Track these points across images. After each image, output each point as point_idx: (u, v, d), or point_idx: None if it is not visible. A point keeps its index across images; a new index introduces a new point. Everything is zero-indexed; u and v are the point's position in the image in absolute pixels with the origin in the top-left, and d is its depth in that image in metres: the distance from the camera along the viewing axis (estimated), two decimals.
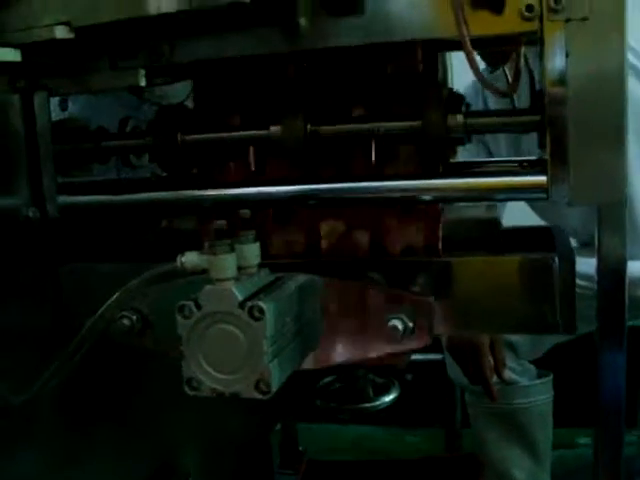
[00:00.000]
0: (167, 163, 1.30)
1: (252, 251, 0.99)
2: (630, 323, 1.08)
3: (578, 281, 1.12)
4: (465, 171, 1.37)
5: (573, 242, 1.84)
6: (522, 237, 1.30)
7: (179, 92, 1.43)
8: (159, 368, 1.29)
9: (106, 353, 1.22)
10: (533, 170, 1.12)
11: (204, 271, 0.97)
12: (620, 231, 1.07)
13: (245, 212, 0.99)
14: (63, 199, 1.25)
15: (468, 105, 1.21)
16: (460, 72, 1.38)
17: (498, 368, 2.15)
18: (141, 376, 1.43)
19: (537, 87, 1.30)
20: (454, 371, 2.30)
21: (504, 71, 1.36)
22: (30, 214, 1.24)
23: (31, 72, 1.20)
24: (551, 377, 2.36)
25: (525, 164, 1.39)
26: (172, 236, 1.34)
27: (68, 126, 1.35)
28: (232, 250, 0.94)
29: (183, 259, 1.00)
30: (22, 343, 1.25)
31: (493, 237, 1.25)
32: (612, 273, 1.07)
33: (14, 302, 1.24)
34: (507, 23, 1.04)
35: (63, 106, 1.30)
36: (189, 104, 1.37)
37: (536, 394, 2.30)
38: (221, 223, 0.94)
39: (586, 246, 1.85)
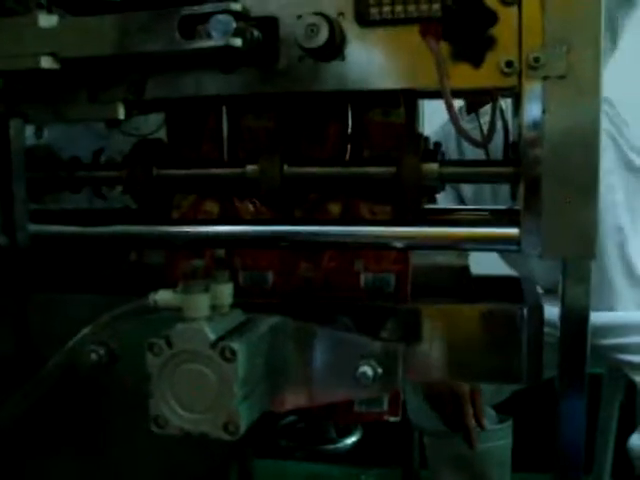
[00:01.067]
0: (141, 196, 1.29)
1: (226, 291, 0.99)
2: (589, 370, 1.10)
3: None
4: (436, 217, 1.38)
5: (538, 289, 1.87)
6: (491, 286, 1.31)
7: (151, 123, 1.43)
8: (115, 402, 1.27)
9: (66, 385, 1.21)
10: (505, 221, 1.13)
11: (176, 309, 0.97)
12: (584, 282, 1.09)
13: (220, 252, 0.99)
14: (34, 228, 1.23)
15: (443, 154, 1.22)
16: (430, 113, 1.41)
17: (478, 416, 2.17)
18: (97, 409, 1.41)
19: (510, 139, 1.32)
20: (414, 413, 2.30)
21: (478, 120, 1.38)
22: (0, 242, 1.22)
23: (9, 98, 1.19)
24: (511, 422, 2.37)
25: (495, 213, 1.41)
26: (141, 270, 1.34)
27: (42, 154, 1.34)
28: (207, 290, 0.94)
29: (156, 296, 0.99)
30: None
31: (462, 285, 1.26)
32: (575, 322, 1.09)
33: None
34: (486, 77, 1.06)
35: (38, 134, 1.29)
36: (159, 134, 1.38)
37: (495, 439, 2.31)
38: (198, 263, 0.94)
39: (549, 293, 1.87)
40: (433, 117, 1.48)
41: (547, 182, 1.05)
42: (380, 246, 1.17)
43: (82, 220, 1.28)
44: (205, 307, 0.94)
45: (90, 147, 1.40)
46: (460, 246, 1.15)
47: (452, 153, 2.08)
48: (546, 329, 1.15)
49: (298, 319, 1.08)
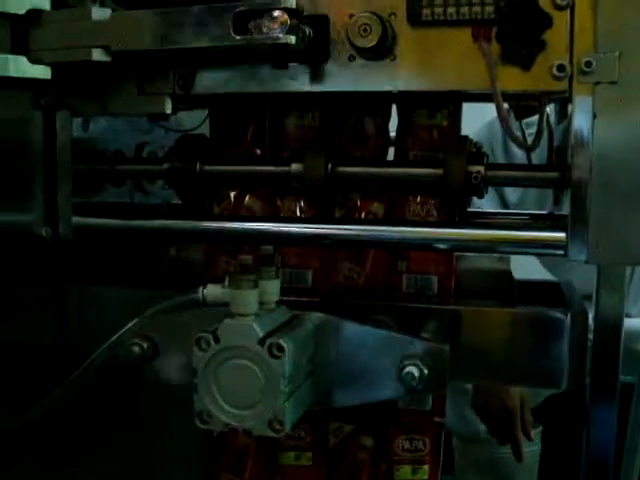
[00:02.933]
0: (184, 191, 1.30)
1: (273, 288, 0.99)
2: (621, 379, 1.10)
3: None
4: (481, 221, 1.38)
5: None
6: (532, 290, 1.31)
7: (194, 119, 1.44)
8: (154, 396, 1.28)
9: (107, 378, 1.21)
10: (552, 225, 1.13)
11: (224, 304, 0.97)
12: (619, 289, 1.08)
13: (268, 249, 0.99)
14: (77, 220, 1.24)
15: (488, 156, 1.22)
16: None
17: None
18: (136, 403, 1.41)
19: (555, 143, 1.32)
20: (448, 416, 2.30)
21: (520, 125, 1.38)
22: (43, 233, 1.23)
23: (56, 90, 1.20)
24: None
25: (537, 218, 1.40)
26: (180, 265, 1.34)
27: (85, 147, 1.35)
28: (256, 286, 0.94)
29: (205, 291, 0.99)
30: (23, 362, 1.24)
31: (504, 288, 1.26)
32: (609, 330, 1.09)
33: (19, 320, 1.24)
34: (537, 81, 1.05)
35: (85, 127, 1.29)
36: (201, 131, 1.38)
37: (526, 445, 2.30)
38: (247, 259, 0.93)
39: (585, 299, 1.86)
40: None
41: (594, 188, 1.04)
42: (424, 247, 1.16)
43: (123, 214, 1.28)
44: (254, 303, 0.94)
45: (133, 142, 1.41)
46: (505, 249, 1.15)
47: (498, 154, 2.08)
48: None
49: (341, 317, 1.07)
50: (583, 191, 1.05)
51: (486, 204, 1.91)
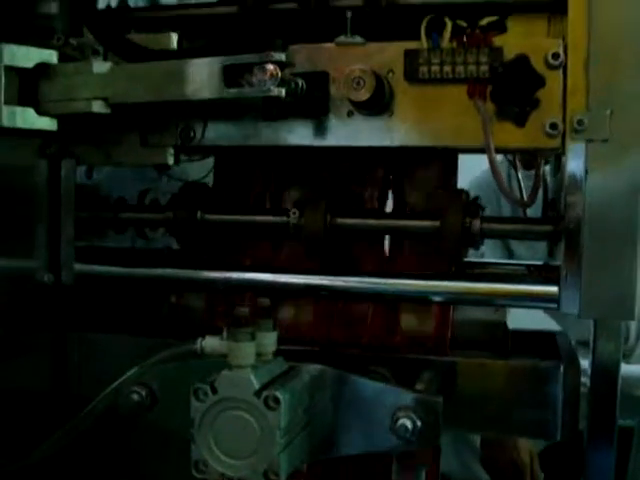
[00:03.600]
0: (185, 239, 1.32)
1: (270, 339, 1.01)
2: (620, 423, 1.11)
3: None
4: (475, 271, 1.40)
5: None
6: (527, 341, 1.32)
7: (199, 168, 1.46)
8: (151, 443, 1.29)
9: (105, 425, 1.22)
10: (544, 279, 1.15)
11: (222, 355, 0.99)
12: (615, 338, 1.10)
13: (265, 301, 1.01)
14: (79, 267, 1.26)
15: (484, 208, 1.24)
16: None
17: None
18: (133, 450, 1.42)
19: (550, 196, 1.34)
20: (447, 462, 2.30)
21: (517, 178, 1.40)
22: (45, 279, 1.25)
23: (62, 139, 1.23)
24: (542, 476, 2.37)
25: (532, 268, 1.42)
26: (180, 312, 1.36)
27: (90, 193, 1.37)
28: (253, 339, 0.96)
29: (203, 343, 1.01)
30: (22, 407, 1.25)
31: (499, 339, 1.27)
32: (606, 378, 1.11)
33: (19, 364, 1.25)
34: (531, 138, 1.08)
35: (89, 174, 1.32)
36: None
37: None
38: (244, 311, 0.95)
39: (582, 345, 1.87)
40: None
41: (587, 242, 1.06)
42: (419, 300, 1.18)
43: (125, 261, 1.31)
44: (251, 355, 0.96)
45: (136, 189, 1.43)
46: (499, 302, 1.17)
47: (492, 201, 2.10)
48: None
49: (337, 369, 1.09)
50: (575, 246, 1.07)
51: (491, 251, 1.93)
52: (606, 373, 1.11)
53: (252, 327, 0.97)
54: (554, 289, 1.09)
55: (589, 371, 1.12)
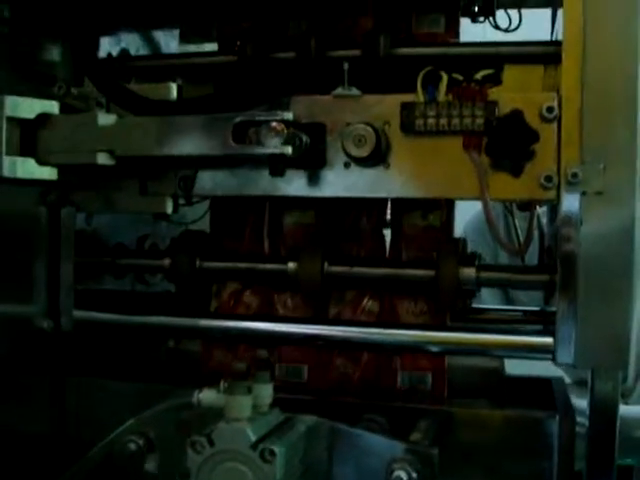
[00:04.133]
0: (183, 286, 1.33)
1: (266, 391, 1.01)
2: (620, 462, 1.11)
3: None
4: (473, 317, 1.41)
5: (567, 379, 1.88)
6: (523, 387, 1.32)
7: (197, 210, 1.47)
8: None
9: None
10: (540, 331, 1.16)
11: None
12: (613, 379, 1.10)
13: (262, 353, 1.02)
14: (78, 313, 1.27)
15: (480, 256, 1.25)
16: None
17: None
18: None
19: (546, 243, 1.35)
20: None
21: (513, 223, 1.41)
22: (44, 325, 1.26)
23: (61, 187, 1.24)
24: None
25: (528, 314, 1.43)
26: (178, 356, 1.36)
27: (89, 238, 1.38)
28: (249, 392, 0.97)
29: (200, 395, 1.02)
30: (22, 450, 1.25)
31: (495, 386, 1.27)
32: (604, 419, 1.10)
33: (18, 408, 1.25)
34: (525, 189, 1.09)
35: (89, 221, 1.33)
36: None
37: None
38: (241, 366, 0.96)
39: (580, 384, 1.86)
40: None
41: (582, 293, 1.07)
42: (415, 349, 1.19)
43: (124, 302, 1.32)
44: (247, 408, 0.96)
45: (135, 233, 1.44)
46: (494, 353, 1.17)
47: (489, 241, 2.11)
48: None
49: (334, 418, 1.09)
50: (570, 297, 1.07)
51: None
52: (604, 414, 1.11)
53: (249, 380, 0.98)
54: (549, 340, 1.10)
55: (588, 411, 1.12)
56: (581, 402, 1.17)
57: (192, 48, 1.54)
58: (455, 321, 1.35)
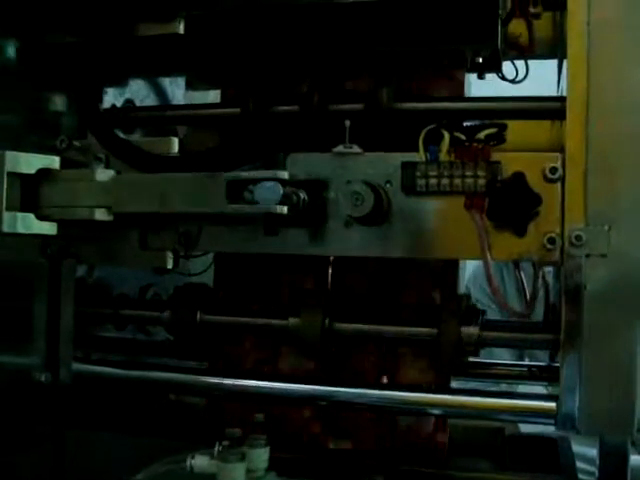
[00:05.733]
0: (184, 340, 1.32)
1: (261, 456, 1.00)
2: None
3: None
4: (477, 372, 1.39)
5: None
6: (526, 446, 1.30)
7: (200, 262, 1.46)
8: None
9: None
10: (543, 395, 1.14)
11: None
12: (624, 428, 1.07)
13: (259, 417, 1.01)
14: (77, 366, 1.26)
15: (484, 312, 1.23)
16: None
17: None
18: None
19: (551, 299, 1.33)
20: None
21: (521, 278, 1.38)
22: (42, 379, 1.25)
23: (63, 240, 1.23)
24: None
25: (534, 369, 1.41)
26: (179, 409, 1.35)
27: (91, 288, 1.38)
28: (243, 459, 0.95)
29: (193, 461, 1.00)
30: None
31: (497, 445, 1.26)
32: (615, 469, 1.08)
33: (18, 460, 1.24)
34: (529, 250, 1.07)
35: (90, 273, 1.33)
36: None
37: None
38: (235, 431, 0.95)
39: None
40: None
41: (586, 359, 1.05)
42: (417, 412, 1.17)
43: (124, 351, 1.31)
44: (241, 476, 0.95)
45: (138, 283, 1.44)
46: (497, 416, 1.15)
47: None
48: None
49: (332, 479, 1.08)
50: (574, 361, 1.05)
51: None
52: (615, 464, 1.08)
53: (244, 446, 0.97)
54: (552, 405, 1.08)
55: (597, 460, 1.09)
56: (591, 451, 1.15)
57: (198, 95, 1.55)
58: (458, 376, 1.33)
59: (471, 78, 1.38)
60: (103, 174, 1.14)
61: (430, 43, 1.23)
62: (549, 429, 1.30)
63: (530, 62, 1.42)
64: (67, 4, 1.20)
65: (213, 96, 1.52)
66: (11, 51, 1.24)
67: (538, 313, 1.34)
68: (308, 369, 1.27)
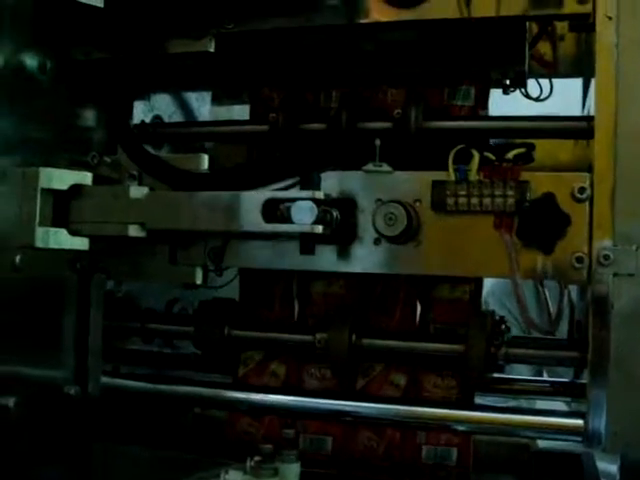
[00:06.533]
0: (211, 354, 1.33)
1: (292, 471, 1.01)
2: None
3: None
4: (499, 387, 1.40)
5: None
6: (551, 462, 1.31)
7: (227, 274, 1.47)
8: None
9: None
10: (569, 412, 1.14)
11: None
12: None
13: (289, 433, 1.02)
14: (106, 380, 1.27)
15: (509, 329, 1.24)
16: None
17: None
18: None
19: (576, 317, 1.33)
20: None
21: (545, 294, 1.39)
22: (72, 392, 1.26)
23: (92, 255, 1.25)
24: None
25: (557, 386, 1.41)
26: (204, 423, 1.37)
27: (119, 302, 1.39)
28: (276, 474, 0.96)
29: (227, 476, 1.01)
30: None
31: (523, 461, 1.26)
32: None
33: (45, 473, 1.25)
34: (557, 267, 1.08)
35: (118, 288, 1.34)
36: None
37: None
38: (268, 447, 0.96)
39: None
40: None
41: (613, 377, 1.05)
42: (442, 428, 1.18)
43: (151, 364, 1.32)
44: None
45: (165, 297, 1.45)
46: (524, 434, 1.16)
47: None
48: None
49: None
50: (601, 380, 1.06)
51: None
52: None
53: (275, 461, 0.98)
54: (579, 422, 1.09)
55: (617, 477, 1.10)
56: (612, 468, 1.15)
57: (224, 110, 1.56)
58: (481, 392, 1.34)
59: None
60: (137, 191, 1.16)
61: (459, 65, 1.25)
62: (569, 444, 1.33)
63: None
64: (99, 21, 1.21)
65: (238, 111, 1.54)
66: (43, 67, 1.25)
67: (561, 330, 1.35)
68: (334, 384, 1.28)
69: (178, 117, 1.47)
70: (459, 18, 1.10)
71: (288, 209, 1.07)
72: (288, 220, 1.06)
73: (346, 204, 1.14)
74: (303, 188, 1.09)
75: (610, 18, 1.05)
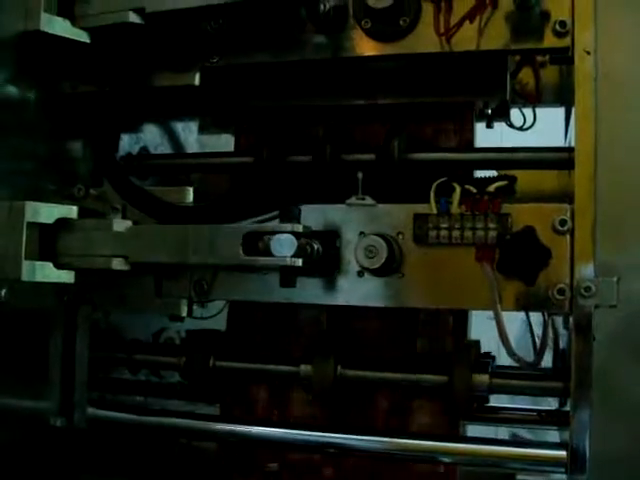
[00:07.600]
0: (197, 385, 1.33)
1: None
2: None
3: None
4: (485, 416, 1.40)
5: None
6: None
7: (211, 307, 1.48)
8: None
9: None
10: (553, 444, 1.15)
11: None
12: None
13: (273, 466, 1.02)
14: (92, 411, 1.27)
15: (494, 358, 1.25)
16: None
17: None
18: None
19: (561, 346, 1.34)
20: None
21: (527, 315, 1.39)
22: (57, 423, 1.26)
23: (79, 287, 1.25)
24: None
25: (543, 414, 1.41)
26: (190, 453, 1.37)
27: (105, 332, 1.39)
28: None
29: None
30: None
31: None
32: None
33: None
34: (538, 301, 1.08)
35: (105, 318, 1.35)
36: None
37: None
38: (273, 466, 0.96)
39: None
40: None
41: (597, 408, 1.05)
42: (427, 460, 1.19)
43: (139, 391, 1.32)
44: None
45: (152, 328, 1.45)
46: (506, 465, 1.16)
47: None
48: None
49: None
50: (584, 411, 1.06)
51: None
52: None
53: None
54: (563, 454, 1.09)
55: None
56: None
57: (213, 139, 1.58)
58: (467, 420, 1.34)
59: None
60: (120, 224, 1.16)
61: (442, 95, 1.26)
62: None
63: None
64: (86, 55, 1.22)
65: (226, 139, 1.55)
66: (28, 100, 1.26)
67: (546, 359, 1.35)
68: (319, 416, 1.28)
69: (165, 148, 1.48)
70: (441, 52, 1.12)
71: (267, 242, 1.07)
72: (268, 253, 1.07)
73: (329, 236, 1.14)
74: (283, 221, 1.10)
75: (588, 53, 1.06)
